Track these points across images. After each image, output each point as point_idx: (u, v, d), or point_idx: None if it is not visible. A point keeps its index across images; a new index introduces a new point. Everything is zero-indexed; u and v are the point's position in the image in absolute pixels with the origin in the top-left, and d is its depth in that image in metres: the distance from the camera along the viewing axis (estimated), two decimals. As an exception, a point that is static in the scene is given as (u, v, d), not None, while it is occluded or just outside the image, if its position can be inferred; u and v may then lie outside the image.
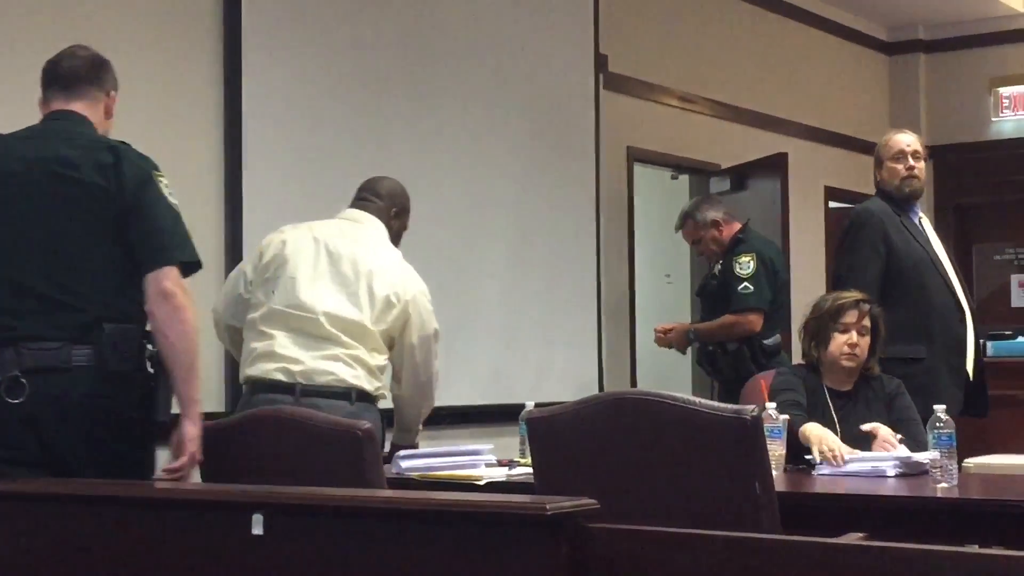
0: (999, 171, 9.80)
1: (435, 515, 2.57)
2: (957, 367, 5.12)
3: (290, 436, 3.49)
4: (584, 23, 6.96)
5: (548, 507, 2.37)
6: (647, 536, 2.39)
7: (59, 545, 3.06)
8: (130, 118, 4.27)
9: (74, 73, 3.63)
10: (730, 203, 7.10)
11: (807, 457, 4.02)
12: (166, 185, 3.54)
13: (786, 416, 4.06)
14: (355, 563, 2.62)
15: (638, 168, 7.77)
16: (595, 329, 6.92)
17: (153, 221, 3.48)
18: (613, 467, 3.14)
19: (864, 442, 4.08)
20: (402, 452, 4.15)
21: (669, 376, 7.74)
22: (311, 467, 3.40)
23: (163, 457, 3.61)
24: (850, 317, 4.35)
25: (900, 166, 5.23)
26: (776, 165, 7.76)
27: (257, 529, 2.71)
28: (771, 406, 4.04)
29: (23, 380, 3.38)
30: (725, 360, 6.36)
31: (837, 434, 4.08)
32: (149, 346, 3.50)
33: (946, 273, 5.18)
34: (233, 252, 5.14)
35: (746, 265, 6.30)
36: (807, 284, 8.15)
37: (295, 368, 4.06)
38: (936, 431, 3.63)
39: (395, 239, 4.42)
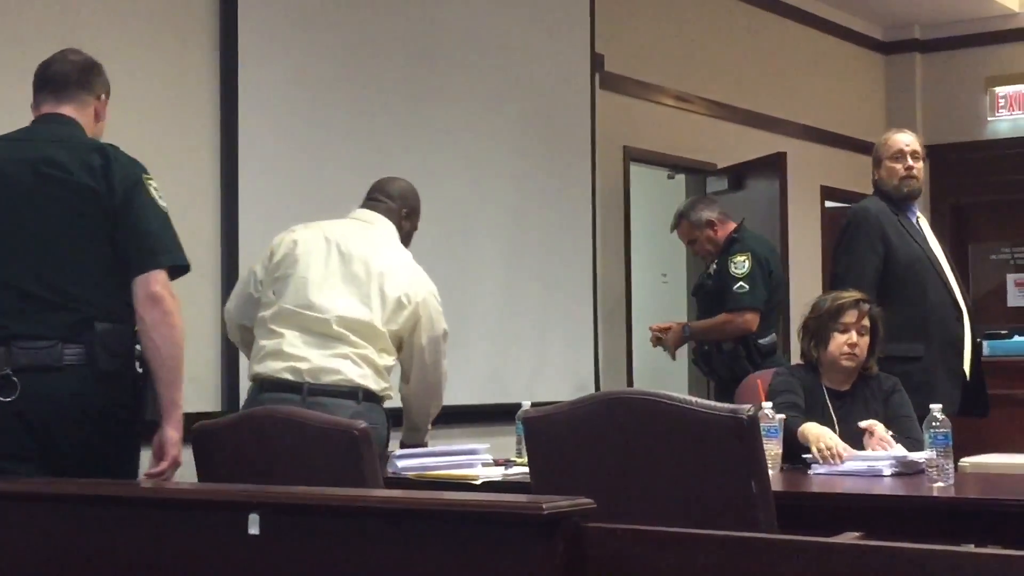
0: (995, 170, 9.81)
1: (431, 515, 2.57)
2: (954, 366, 5.13)
3: (286, 436, 3.49)
4: (580, 22, 6.96)
5: (544, 507, 2.37)
6: (644, 536, 2.39)
7: (55, 545, 3.06)
8: (126, 119, 4.28)
9: (64, 77, 3.66)
10: (727, 203, 7.10)
11: (804, 456, 4.02)
12: (155, 188, 3.56)
13: (782, 415, 4.06)
14: (351, 563, 2.62)
15: (634, 168, 7.77)
16: (591, 328, 6.92)
17: (142, 224, 3.50)
18: (610, 466, 3.14)
19: (863, 442, 4.08)
20: (398, 452, 4.16)
21: (665, 376, 7.74)
22: (307, 467, 3.40)
23: (144, 457, 3.64)
24: (850, 317, 4.36)
25: (899, 166, 5.23)
26: (775, 165, 7.76)
27: (253, 529, 2.71)
28: (767, 405, 4.04)
29: (14, 379, 3.41)
30: (720, 359, 6.36)
31: (836, 433, 4.08)
32: (138, 346, 3.52)
33: (943, 272, 5.18)
34: (229, 253, 5.14)
35: (741, 264, 6.30)
36: (803, 284, 8.16)
37: (303, 367, 4.08)
38: (932, 430, 3.64)
39: (405, 240, 4.45)
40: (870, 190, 5.44)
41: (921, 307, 5.09)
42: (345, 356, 4.10)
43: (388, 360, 4.20)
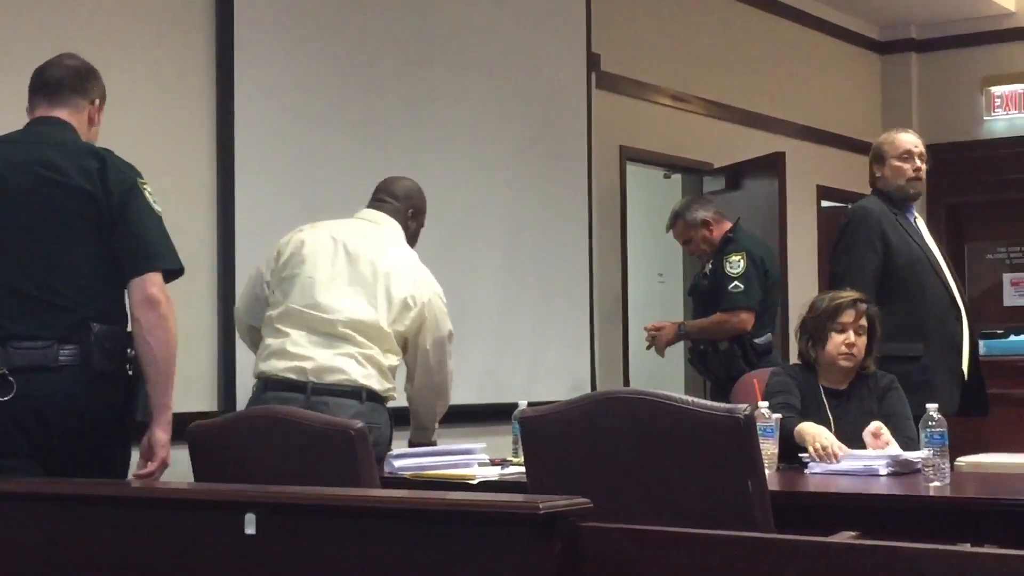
0: (991, 170, 9.81)
1: (428, 514, 2.57)
2: (954, 366, 5.13)
3: (283, 435, 3.49)
4: (576, 22, 6.95)
5: (541, 506, 2.37)
6: (640, 535, 2.39)
7: (51, 545, 3.05)
8: (122, 121, 4.28)
9: (58, 81, 3.69)
10: (724, 203, 7.11)
11: (801, 456, 4.02)
12: (150, 192, 3.60)
13: (779, 415, 4.06)
14: (348, 563, 2.62)
15: (631, 167, 7.77)
16: (588, 328, 6.92)
17: (138, 228, 3.54)
18: (606, 466, 3.14)
19: (859, 440, 4.08)
20: (394, 452, 4.16)
21: (662, 375, 7.75)
22: (304, 466, 3.40)
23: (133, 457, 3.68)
24: (847, 317, 4.36)
25: (907, 166, 5.23)
26: (772, 164, 7.76)
27: (250, 528, 2.71)
28: (764, 405, 4.05)
29: (10, 378, 3.44)
30: (716, 359, 6.37)
31: (832, 433, 4.08)
32: (130, 349, 3.56)
33: (942, 272, 5.19)
34: (225, 253, 5.14)
35: (736, 264, 6.31)
36: (800, 283, 8.16)
37: (307, 366, 4.11)
38: (928, 430, 3.64)
39: (412, 239, 4.49)
40: (866, 189, 5.43)
41: (920, 307, 5.09)
42: (350, 356, 4.12)
43: (393, 360, 4.23)
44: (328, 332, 4.15)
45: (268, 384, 4.16)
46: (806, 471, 3.96)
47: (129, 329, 3.57)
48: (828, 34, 9.57)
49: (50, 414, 3.45)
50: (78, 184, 3.51)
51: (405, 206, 4.49)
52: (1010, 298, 9.93)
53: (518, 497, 2.67)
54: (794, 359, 4.67)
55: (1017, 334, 7.91)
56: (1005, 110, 9.97)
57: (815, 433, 4.01)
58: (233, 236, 5.15)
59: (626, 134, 7.63)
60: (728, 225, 6.52)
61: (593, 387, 6.79)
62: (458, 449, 4.28)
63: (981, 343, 6.08)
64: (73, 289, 3.50)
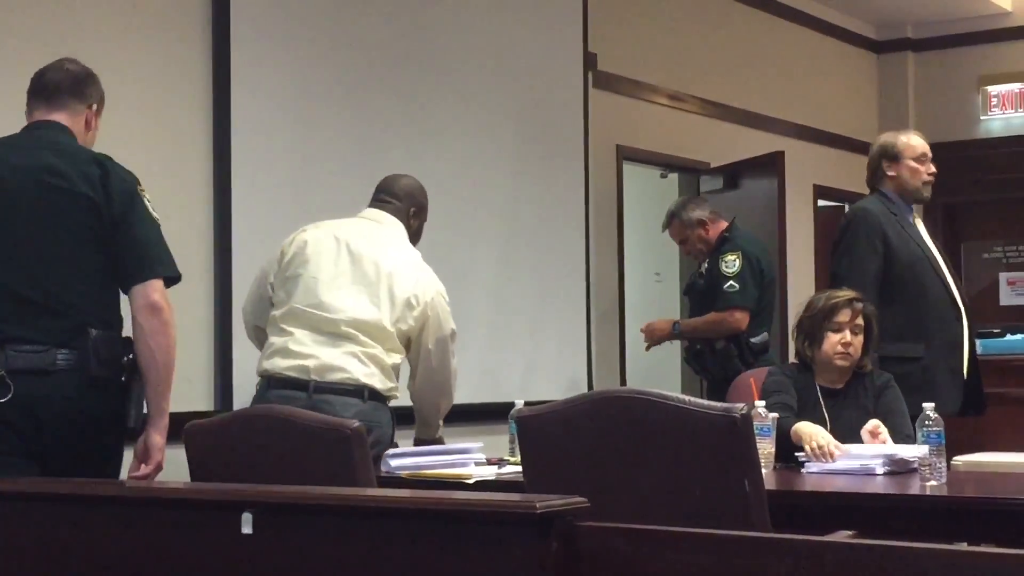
0: (988, 169, 9.81)
1: (424, 514, 2.57)
2: (955, 366, 5.13)
3: (279, 435, 3.49)
4: (573, 21, 6.95)
5: (538, 506, 2.37)
6: (637, 534, 2.39)
7: (48, 544, 3.05)
8: (120, 123, 4.28)
9: (56, 85, 3.71)
10: (721, 202, 7.11)
11: (797, 455, 4.02)
12: (148, 200, 3.65)
13: (775, 414, 4.06)
14: (344, 562, 2.62)
15: (627, 167, 7.77)
16: (584, 327, 6.92)
17: (140, 235, 3.59)
18: (603, 465, 3.14)
19: (856, 439, 4.08)
20: (391, 451, 4.16)
21: (658, 374, 7.75)
22: (300, 466, 3.40)
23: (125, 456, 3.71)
24: (843, 316, 4.36)
25: (923, 168, 5.26)
26: (771, 164, 7.75)
27: (246, 528, 2.71)
28: (760, 404, 4.05)
29: (8, 381, 3.47)
30: (712, 358, 6.37)
31: (828, 432, 4.08)
32: (128, 356, 3.61)
33: (942, 272, 5.19)
34: (222, 253, 5.14)
35: (732, 263, 6.31)
36: (796, 283, 8.16)
37: (309, 364, 4.14)
38: (925, 429, 3.64)
39: (414, 238, 4.53)
40: (863, 189, 5.43)
41: (921, 308, 5.09)
42: (353, 355, 4.15)
43: (396, 359, 4.27)
44: (331, 331, 4.18)
45: (271, 383, 4.20)
46: (803, 470, 3.96)
47: (125, 335, 3.62)
48: (825, 33, 9.57)
49: (45, 417, 3.49)
50: (82, 191, 3.55)
51: (407, 205, 4.52)
52: (1006, 297, 9.94)
53: (515, 497, 2.67)
54: (793, 358, 4.67)
55: (1013, 333, 7.92)
56: (1002, 109, 9.98)
57: (811, 432, 4.01)
58: (230, 235, 5.15)
59: (623, 133, 7.63)
60: (724, 225, 6.52)
61: (590, 386, 6.80)
62: (455, 448, 4.29)
63: (977, 342, 6.09)
64: (72, 295, 3.54)
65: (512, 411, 4.15)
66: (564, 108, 6.86)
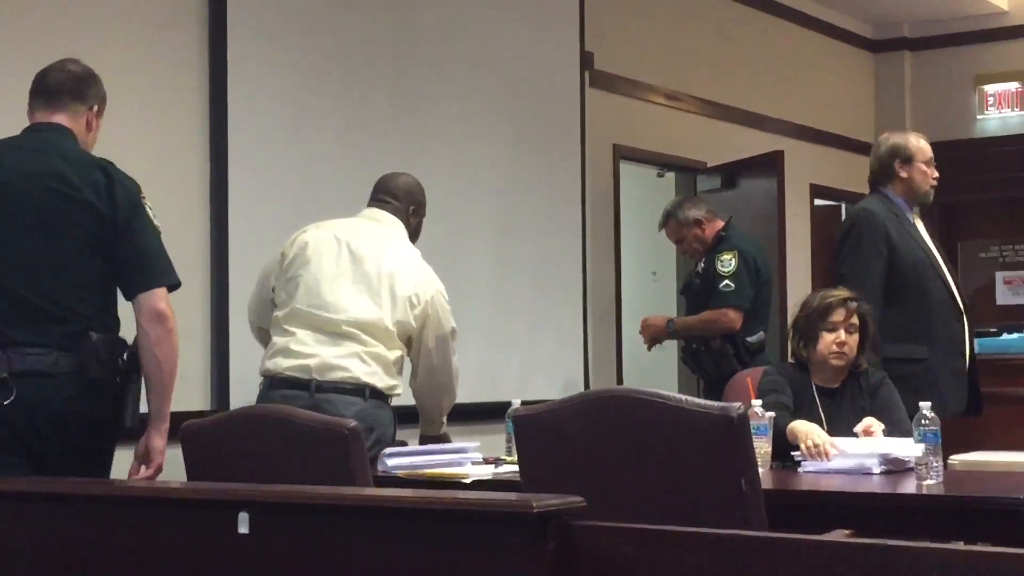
0: (984, 169, 9.81)
1: (421, 513, 2.57)
2: (957, 366, 5.13)
3: (276, 434, 3.49)
4: (569, 21, 6.95)
5: (535, 505, 2.37)
6: (634, 534, 2.39)
7: (45, 544, 3.05)
8: (116, 124, 4.28)
9: (58, 86, 3.73)
10: (719, 202, 7.10)
11: (793, 454, 4.03)
12: (150, 207, 3.69)
13: (772, 413, 4.06)
14: (341, 562, 2.62)
15: (624, 166, 7.76)
16: (581, 327, 6.92)
17: (143, 244, 3.64)
18: (600, 465, 3.14)
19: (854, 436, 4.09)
20: (388, 451, 4.16)
21: (655, 374, 7.75)
22: (297, 465, 3.40)
23: (120, 456, 3.76)
24: (838, 315, 4.36)
25: (931, 172, 5.28)
26: (769, 163, 7.75)
27: (243, 528, 2.71)
28: (757, 403, 4.05)
29: (11, 384, 3.50)
30: (708, 358, 6.37)
31: (824, 431, 4.08)
32: (122, 358, 3.65)
33: (943, 272, 5.19)
34: (219, 253, 5.14)
35: (728, 263, 6.31)
36: (793, 282, 8.16)
37: (311, 363, 4.18)
38: (921, 428, 3.64)
39: (413, 236, 4.55)
40: (860, 188, 5.43)
41: (924, 309, 5.09)
42: (354, 354, 4.19)
43: (398, 354, 4.29)
44: (333, 331, 4.21)
45: (274, 382, 4.24)
46: (799, 469, 3.96)
47: (121, 335, 3.66)
48: (821, 32, 9.57)
49: (43, 418, 3.52)
50: (88, 199, 3.58)
51: (406, 204, 4.54)
52: (1003, 296, 9.94)
53: (512, 496, 2.67)
54: (790, 357, 4.67)
55: (1010, 332, 7.92)
56: (998, 108, 9.98)
57: (807, 431, 4.01)
58: (227, 235, 5.15)
59: (620, 132, 7.63)
60: (720, 224, 6.52)
61: (587, 386, 6.80)
62: (452, 448, 4.30)
63: (975, 341, 6.10)
64: (74, 300, 3.58)
65: (509, 410, 4.14)
66: (561, 107, 6.86)
